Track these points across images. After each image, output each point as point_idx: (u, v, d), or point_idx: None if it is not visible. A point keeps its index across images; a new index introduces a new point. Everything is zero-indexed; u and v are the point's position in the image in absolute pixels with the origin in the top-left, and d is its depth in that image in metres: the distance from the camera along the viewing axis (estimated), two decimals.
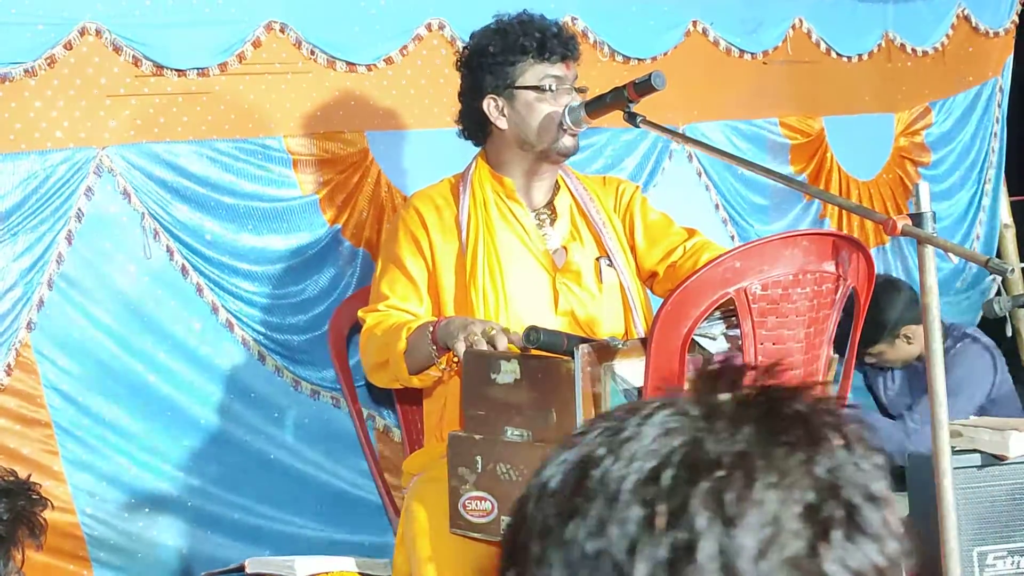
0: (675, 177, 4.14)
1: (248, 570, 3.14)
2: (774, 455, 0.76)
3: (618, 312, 2.97)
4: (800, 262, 2.48)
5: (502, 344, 2.53)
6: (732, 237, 4.23)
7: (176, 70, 3.26)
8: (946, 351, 3.91)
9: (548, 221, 3.01)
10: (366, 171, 3.55)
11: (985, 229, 5.13)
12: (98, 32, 3.15)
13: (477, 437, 2.50)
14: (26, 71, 3.07)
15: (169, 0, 3.24)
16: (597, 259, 2.99)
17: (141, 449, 3.27)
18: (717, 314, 2.51)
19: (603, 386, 2.39)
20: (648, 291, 3.06)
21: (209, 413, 3.36)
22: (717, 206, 4.25)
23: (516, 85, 2.90)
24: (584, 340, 2.45)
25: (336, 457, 3.53)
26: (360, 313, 2.96)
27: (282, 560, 3.10)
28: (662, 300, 2.50)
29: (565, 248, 2.99)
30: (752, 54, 4.34)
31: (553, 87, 2.89)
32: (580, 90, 2.93)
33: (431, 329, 2.70)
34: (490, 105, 2.93)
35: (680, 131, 3.88)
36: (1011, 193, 5.34)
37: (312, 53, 3.44)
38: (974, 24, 5.04)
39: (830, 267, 2.53)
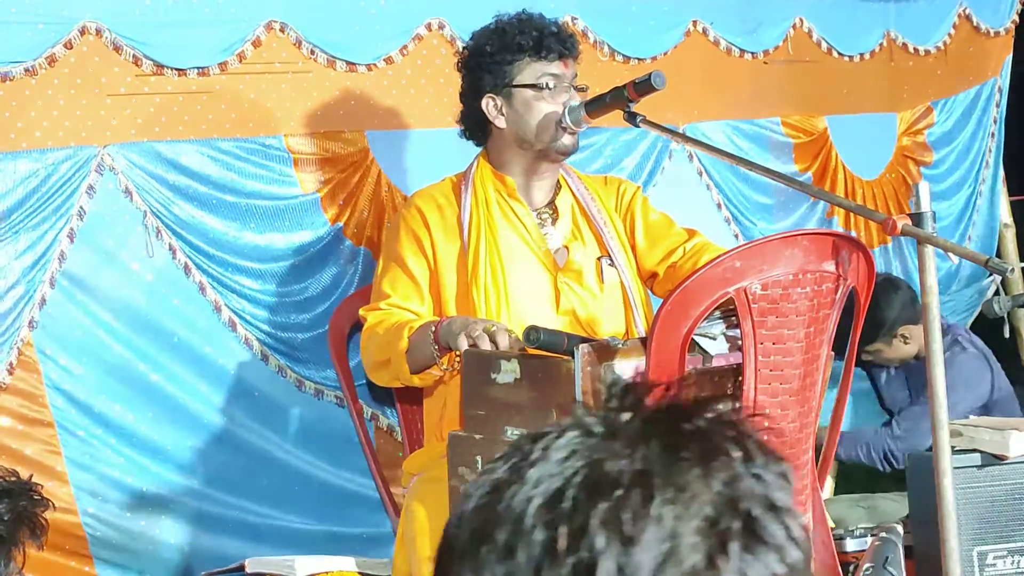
0: (675, 177, 4.14)
1: (248, 569, 3.14)
2: (672, 471, 0.77)
3: (619, 312, 2.98)
4: (800, 262, 2.48)
5: (504, 341, 2.53)
6: (736, 236, 4.22)
7: (176, 69, 3.26)
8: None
9: (550, 220, 3.01)
10: (366, 170, 3.55)
11: (979, 230, 5.13)
12: (98, 31, 3.15)
13: (477, 437, 2.50)
14: (27, 70, 3.07)
15: (169, 0, 3.25)
16: (598, 258, 2.99)
17: (144, 448, 3.26)
18: (717, 314, 2.51)
19: (603, 386, 2.39)
20: (649, 291, 3.06)
21: (212, 412, 3.36)
22: (719, 205, 4.24)
23: (514, 84, 2.90)
24: (584, 340, 2.45)
25: (340, 457, 3.53)
26: (362, 312, 2.96)
27: (282, 559, 3.10)
28: (662, 300, 2.50)
29: (566, 247, 2.99)
30: (752, 54, 4.34)
31: (550, 85, 2.89)
32: (580, 88, 2.93)
33: (433, 328, 2.70)
34: (489, 104, 2.93)
35: (680, 131, 3.88)
36: (1011, 193, 5.35)
37: (312, 53, 3.44)
38: (975, 23, 5.04)
39: (830, 267, 2.53)
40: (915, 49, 4.83)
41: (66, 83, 3.13)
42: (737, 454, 0.79)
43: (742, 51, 4.31)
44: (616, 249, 3.00)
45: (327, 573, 3.04)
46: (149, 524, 3.27)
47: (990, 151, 5.17)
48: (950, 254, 4.68)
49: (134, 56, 3.20)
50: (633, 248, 3.05)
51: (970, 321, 4.91)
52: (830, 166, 4.56)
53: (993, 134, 5.20)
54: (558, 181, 3.05)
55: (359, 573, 3.09)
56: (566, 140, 2.90)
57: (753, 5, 4.35)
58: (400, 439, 3.52)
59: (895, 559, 3.03)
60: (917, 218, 2.43)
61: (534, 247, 2.97)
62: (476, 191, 2.98)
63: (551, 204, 3.02)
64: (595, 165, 3.89)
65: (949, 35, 4.95)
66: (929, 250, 2.43)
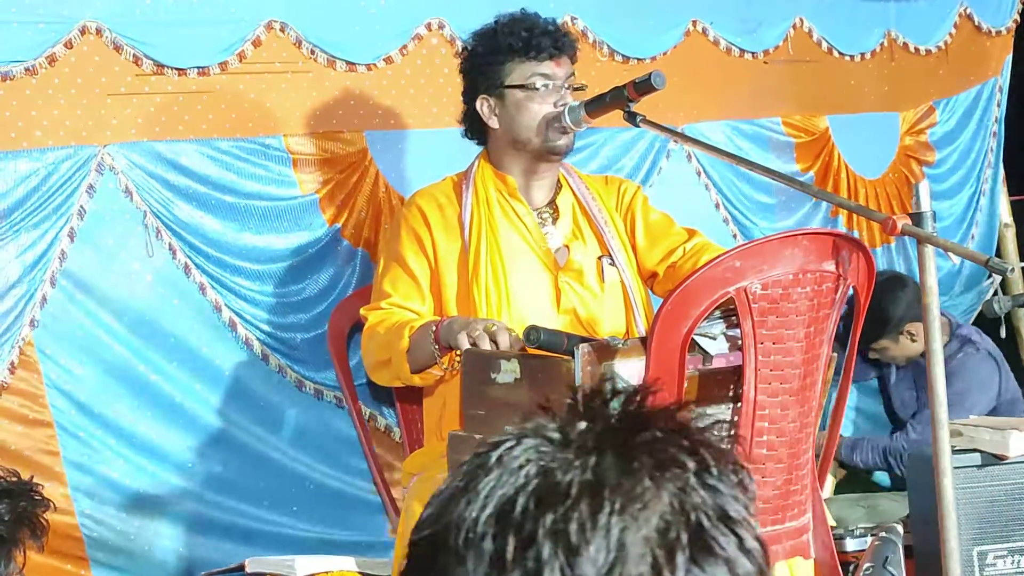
0: (673, 177, 4.13)
1: (248, 569, 3.14)
2: (624, 481, 0.77)
3: (620, 311, 2.97)
4: (800, 261, 2.48)
5: (504, 341, 2.53)
6: (734, 236, 4.22)
7: (176, 69, 3.27)
8: (950, 356, 3.91)
9: (550, 220, 3.01)
10: (365, 171, 3.55)
11: (981, 229, 5.13)
12: (98, 31, 3.15)
13: (477, 437, 2.50)
14: (27, 69, 3.07)
15: (169, 0, 3.25)
16: (599, 258, 2.99)
17: (142, 449, 3.26)
18: (717, 313, 2.51)
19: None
20: (649, 291, 3.06)
21: (211, 413, 3.35)
22: (718, 205, 4.24)
23: (505, 84, 2.89)
24: (584, 339, 2.45)
25: (339, 458, 3.53)
26: (362, 311, 2.96)
27: (282, 559, 3.09)
28: (662, 300, 2.50)
29: (567, 247, 2.99)
30: (752, 54, 4.34)
31: (540, 86, 2.88)
32: (577, 88, 2.92)
33: (434, 328, 2.70)
34: (483, 106, 2.93)
35: (680, 131, 3.88)
36: (1011, 193, 5.34)
37: (312, 53, 3.44)
38: (976, 23, 5.04)
39: (830, 266, 2.53)
40: (916, 49, 4.83)
41: (66, 83, 3.13)
42: (692, 464, 0.79)
43: (742, 51, 4.31)
44: (617, 248, 3.00)
45: (327, 573, 3.04)
46: (145, 526, 3.27)
47: (991, 151, 5.17)
48: (950, 254, 4.68)
49: (134, 56, 3.20)
50: (633, 247, 3.04)
51: (970, 321, 4.91)
52: (832, 166, 4.56)
53: (994, 133, 5.20)
54: (559, 180, 3.04)
55: (359, 573, 3.09)
56: (560, 139, 2.89)
57: (753, 5, 4.34)
58: (398, 439, 3.52)
59: (895, 559, 3.03)
60: (917, 218, 2.43)
61: (535, 246, 2.97)
62: (477, 190, 2.97)
63: (552, 203, 3.02)
64: (592, 165, 3.88)
65: (950, 35, 4.94)
66: (929, 250, 2.43)
